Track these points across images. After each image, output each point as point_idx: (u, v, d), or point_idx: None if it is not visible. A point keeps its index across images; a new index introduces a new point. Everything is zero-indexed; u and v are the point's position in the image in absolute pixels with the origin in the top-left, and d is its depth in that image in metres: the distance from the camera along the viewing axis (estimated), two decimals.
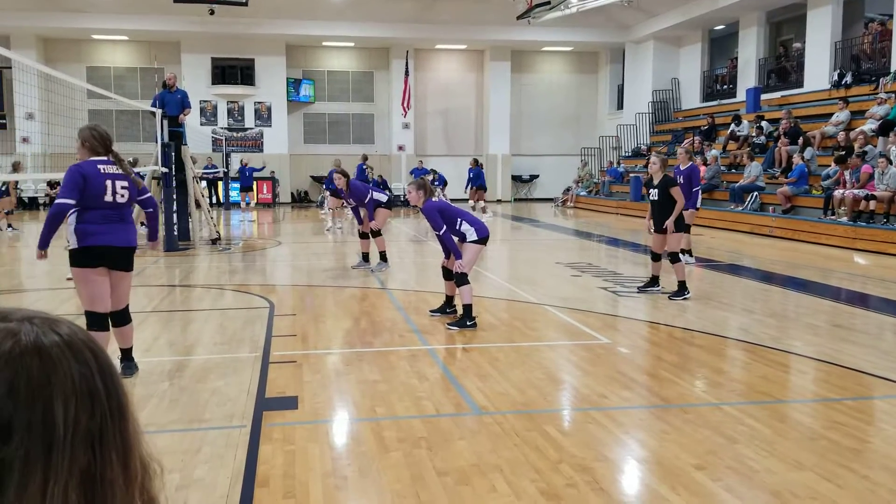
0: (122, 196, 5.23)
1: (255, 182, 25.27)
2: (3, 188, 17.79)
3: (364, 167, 20.26)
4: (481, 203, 22.58)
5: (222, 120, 27.75)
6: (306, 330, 7.06)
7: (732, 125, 21.07)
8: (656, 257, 8.86)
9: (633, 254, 13.51)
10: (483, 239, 7.23)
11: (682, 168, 11.11)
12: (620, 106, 29.33)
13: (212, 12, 22.01)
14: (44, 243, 5.12)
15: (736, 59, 24.18)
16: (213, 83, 27.22)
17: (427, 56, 29.58)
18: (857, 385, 5.34)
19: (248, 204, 24.11)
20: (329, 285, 9.69)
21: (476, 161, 23.22)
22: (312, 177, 28.47)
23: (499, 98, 29.38)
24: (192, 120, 23.34)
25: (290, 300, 8.78)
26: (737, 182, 18.00)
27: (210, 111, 27.57)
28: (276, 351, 6.23)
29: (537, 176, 30.58)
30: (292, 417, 4.62)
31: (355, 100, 29.45)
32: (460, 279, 7.13)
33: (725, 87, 25.07)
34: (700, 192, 11.64)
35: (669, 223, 8.57)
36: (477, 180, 22.39)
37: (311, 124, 29.16)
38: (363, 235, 10.97)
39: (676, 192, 8.52)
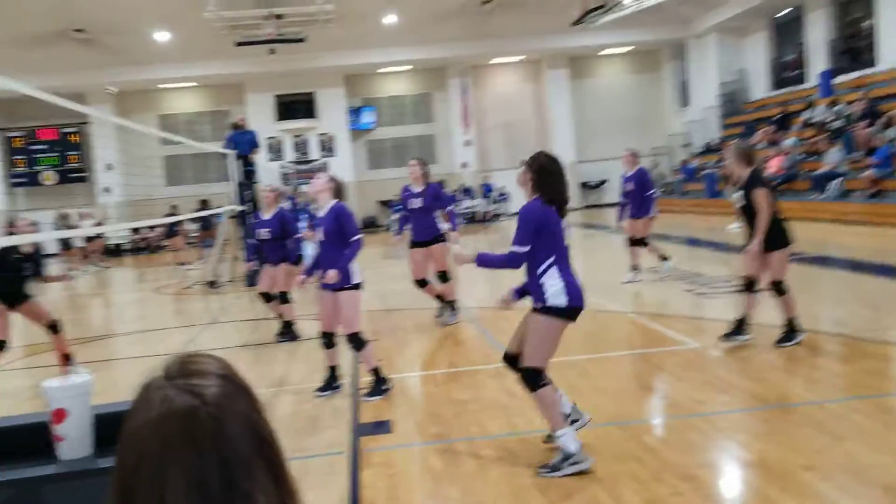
0: None
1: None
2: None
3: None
4: None
5: (288, 154, 28.46)
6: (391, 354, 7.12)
7: (806, 112, 20.43)
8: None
9: (713, 253, 13.18)
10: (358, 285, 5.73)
11: (628, 174, 9.93)
12: (686, 102, 28.79)
13: (272, 52, 22.67)
14: None
15: (803, 43, 23.46)
16: (278, 119, 27.97)
17: (483, 71, 29.68)
18: None
19: None
20: (407, 308, 9.76)
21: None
22: (381, 201, 28.88)
23: (559, 106, 29.21)
24: (259, 157, 23.98)
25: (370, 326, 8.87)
26: (817, 170, 17.40)
27: (276, 147, 28.32)
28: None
29: (606, 181, 30.18)
30: (387, 441, 4.67)
31: (415, 122, 29.76)
32: (356, 342, 5.66)
33: (795, 73, 24.33)
34: (654, 197, 10.03)
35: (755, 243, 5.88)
36: None
37: (374, 150, 29.60)
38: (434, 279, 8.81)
39: (760, 197, 5.84)
